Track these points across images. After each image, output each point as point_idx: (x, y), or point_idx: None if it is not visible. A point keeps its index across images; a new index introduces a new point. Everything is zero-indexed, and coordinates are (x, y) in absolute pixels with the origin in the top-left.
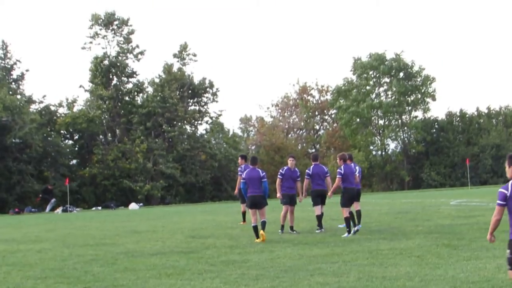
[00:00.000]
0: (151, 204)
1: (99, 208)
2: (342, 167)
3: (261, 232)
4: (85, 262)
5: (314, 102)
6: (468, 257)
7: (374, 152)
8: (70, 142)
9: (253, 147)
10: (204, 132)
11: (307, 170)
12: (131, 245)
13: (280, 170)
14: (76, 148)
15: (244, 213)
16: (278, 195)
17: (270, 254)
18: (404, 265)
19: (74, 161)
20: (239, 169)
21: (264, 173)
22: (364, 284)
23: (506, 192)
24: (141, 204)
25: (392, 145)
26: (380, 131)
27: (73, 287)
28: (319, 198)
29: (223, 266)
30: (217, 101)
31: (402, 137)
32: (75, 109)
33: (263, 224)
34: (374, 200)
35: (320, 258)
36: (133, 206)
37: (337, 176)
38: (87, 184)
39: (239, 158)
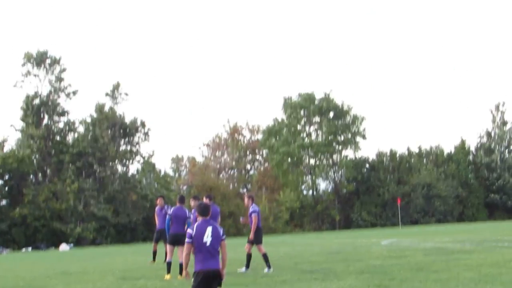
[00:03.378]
0: (82, 245)
1: (29, 249)
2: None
3: (178, 277)
4: None
5: (245, 142)
6: None
7: (305, 192)
8: (0, 182)
9: (184, 187)
10: (135, 172)
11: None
12: (62, 287)
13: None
14: (6, 188)
15: (154, 253)
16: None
17: None
18: None
19: (4, 202)
20: (157, 208)
21: (190, 214)
22: None
23: (191, 232)
24: (72, 245)
25: (323, 185)
26: (311, 171)
27: None
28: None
29: None
30: (148, 141)
31: (333, 176)
32: (5, 149)
33: (181, 266)
34: (306, 240)
35: None
36: (63, 247)
37: (254, 214)
38: (18, 225)
39: (159, 198)
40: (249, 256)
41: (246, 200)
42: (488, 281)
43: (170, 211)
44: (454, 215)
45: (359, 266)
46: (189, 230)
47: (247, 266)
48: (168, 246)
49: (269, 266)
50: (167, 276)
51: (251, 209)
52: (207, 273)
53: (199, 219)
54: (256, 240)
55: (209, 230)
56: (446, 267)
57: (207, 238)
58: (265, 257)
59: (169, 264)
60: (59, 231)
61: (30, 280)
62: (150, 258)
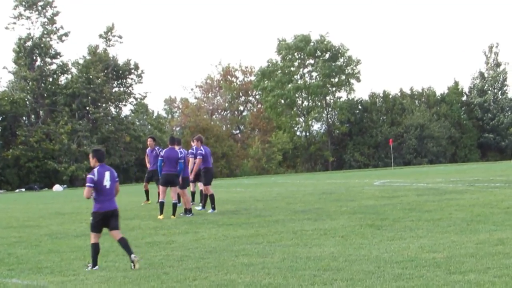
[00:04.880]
0: (75, 185)
1: (23, 190)
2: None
3: (171, 217)
4: (9, 244)
5: (238, 83)
6: (392, 237)
7: (298, 133)
8: None
9: (177, 128)
10: (128, 113)
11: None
12: (55, 227)
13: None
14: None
15: (147, 192)
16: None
17: (195, 235)
18: (328, 245)
19: None
20: (148, 149)
21: (182, 154)
22: (288, 265)
23: (93, 177)
24: (65, 186)
25: (316, 126)
26: (305, 112)
27: None
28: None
29: (147, 248)
30: (141, 83)
31: (326, 118)
32: None
33: (174, 206)
34: (298, 181)
35: (245, 239)
36: (57, 187)
37: (199, 157)
38: (11, 166)
39: (149, 139)
40: (212, 197)
41: (195, 142)
42: (480, 221)
43: (162, 153)
44: (446, 156)
45: (352, 206)
46: (89, 176)
47: (213, 208)
48: (160, 187)
49: (203, 206)
50: (160, 216)
51: (198, 151)
52: (107, 213)
53: (96, 164)
54: (206, 181)
55: (107, 174)
56: (439, 207)
57: (107, 182)
58: (211, 198)
59: (162, 205)
60: (52, 171)
61: (23, 220)
62: (143, 198)
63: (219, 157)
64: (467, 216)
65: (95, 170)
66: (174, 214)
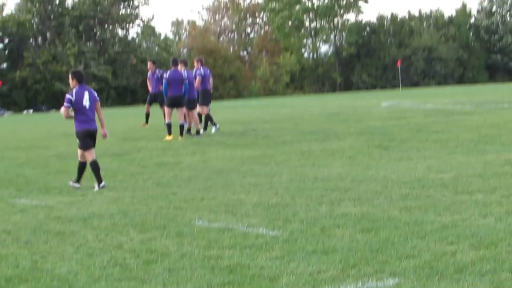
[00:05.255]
0: None
1: (30, 111)
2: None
3: (179, 138)
4: (17, 165)
5: (245, 5)
6: (399, 158)
7: (306, 55)
8: (0, 45)
9: (185, 50)
10: (135, 36)
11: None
12: (63, 148)
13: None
14: (6, 52)
15: (147, 115)
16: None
17: (202, 156)
18: (335, 165)
19: (4, 65)
20: (149, 73)
21: (187, 75)
22: (296, 185)
23: (71, 97)
24: None
25: (324, 48)
26: (313, 34)
27: (5, 190)
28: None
29: (155, 168)
30: (148, 5)
31: (334, 40)
32: (4, 13)
33: (181, 127)
34: (306, 102)
35: (253, 159)
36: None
37: (198, 77)
38: (18, 88)
39: (149, 62)
40: (207, 117)
41: (195, 63)
42: (488, 142)
43: (166, 75)
44: (454, 77)
45: (359, 127)
46: (67, 96)
47: (214, 124)
48: (166, 109)
49: (205, 128)
50: (169, 137)
51: (197, 71)
52: (88, 132)
53: (76, 85)
54: (203, 101)
55: (86, 94)
56: (446, 128)
57: (86, 102)
58: (209, 118)
59: (169, 126)
60: (59, 92)
61: (31, 141)
62: (152, 120)
63: (227, 78)
64: (475, 137)
65: (74, 90)
66: (181, 135)
